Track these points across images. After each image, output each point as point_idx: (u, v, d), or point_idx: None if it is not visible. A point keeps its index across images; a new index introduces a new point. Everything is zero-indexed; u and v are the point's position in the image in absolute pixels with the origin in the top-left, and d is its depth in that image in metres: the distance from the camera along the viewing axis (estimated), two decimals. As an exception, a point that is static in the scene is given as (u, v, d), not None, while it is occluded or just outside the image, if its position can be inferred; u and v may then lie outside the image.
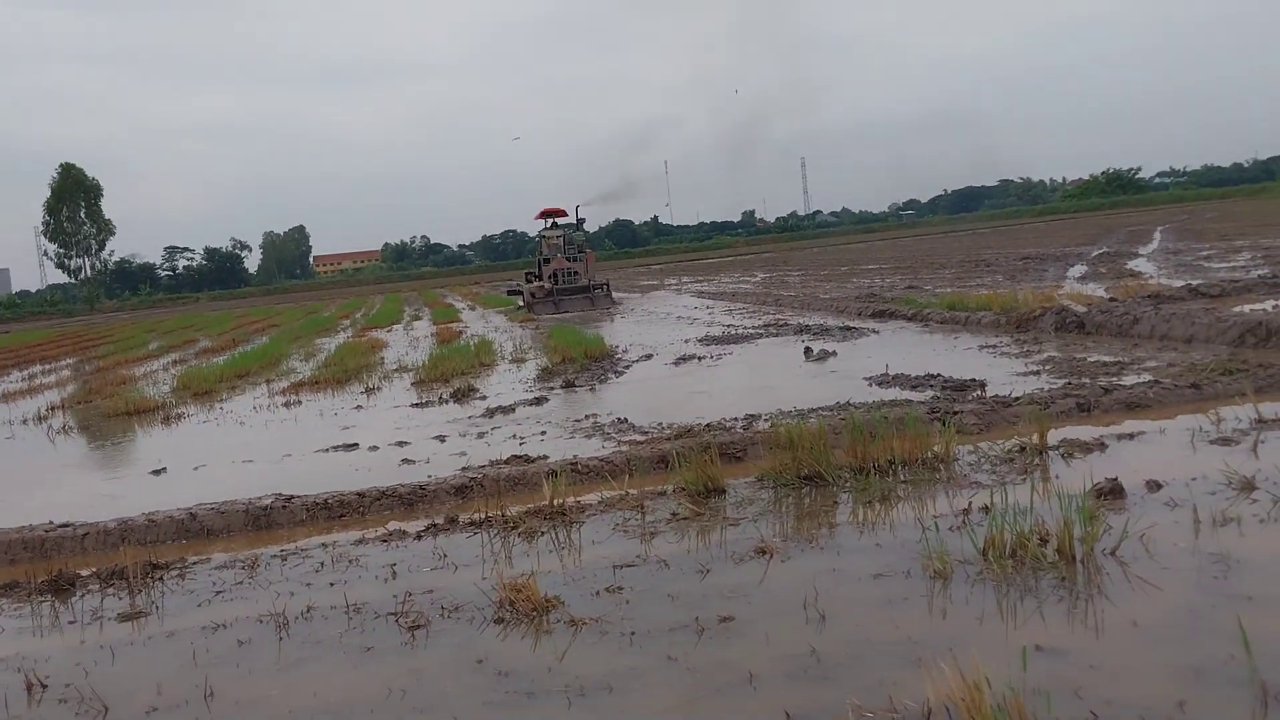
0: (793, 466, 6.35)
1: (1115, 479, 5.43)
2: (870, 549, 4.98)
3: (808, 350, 12.88)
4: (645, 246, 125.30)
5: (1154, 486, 5.49)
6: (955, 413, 7.40)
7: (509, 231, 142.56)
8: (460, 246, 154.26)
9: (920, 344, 13.10)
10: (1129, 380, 8.62)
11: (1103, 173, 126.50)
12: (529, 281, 30.77)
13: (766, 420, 8.46)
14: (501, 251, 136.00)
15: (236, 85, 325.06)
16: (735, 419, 8.63)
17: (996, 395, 8.29)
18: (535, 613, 4.53)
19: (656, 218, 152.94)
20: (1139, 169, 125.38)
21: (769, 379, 11.32)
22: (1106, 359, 10.03)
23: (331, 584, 5.31)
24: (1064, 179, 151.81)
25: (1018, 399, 7.85)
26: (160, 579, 5.65)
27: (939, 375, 9.86)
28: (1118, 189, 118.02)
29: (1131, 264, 24.45)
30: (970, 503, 5.48)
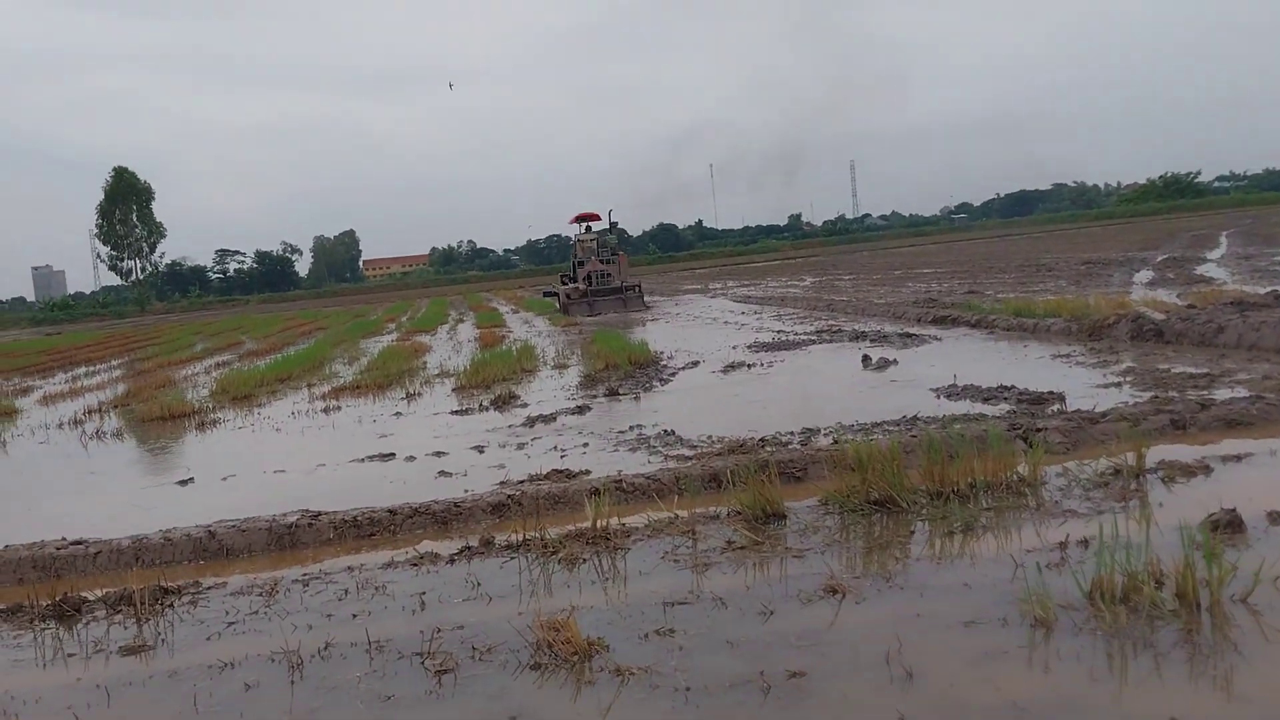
0: (861, 489, 5.76)
1: (1233, 509, 4.78)
2: (957, 589, 4.38)
3: (866, 358, 12.24)
4: (689, 250, 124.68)
5: (1277, 519, 4.84)
6: (1039, 430, 6.77)
7: (553, 236, 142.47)
8: (505, 251, 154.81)
9: (987, 352, 12.41)
10: (1223, 394, 7.91)
11: (1160, 177, 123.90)
12: (564, 284, 31.48)
13: (827, 435, 7.87)
14: (545, 256, 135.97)
15: (287, 90, 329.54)
16: (792, 433, 8.05)
17: (1079, 410, 7.62)
18: (576, 657, 3.99)
19: (701, 221, 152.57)
20: (1198, 172, 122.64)
21: (825, 389, 10.72)
22: (1193, 370, 9.30)
23: (354, 615, 4.82)
24: (1119, 183, 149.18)
25: (1105, 414, 7.19)
26: (171, 605, 5.20)
27: (1012, 387, 9.19)
28: (1175, 193, 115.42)
29: (1201, 269, 23.48)
30: (1067, 535, 4.86)
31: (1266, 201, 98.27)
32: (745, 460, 6.54)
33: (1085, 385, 9.18)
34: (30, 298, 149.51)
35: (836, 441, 7.29)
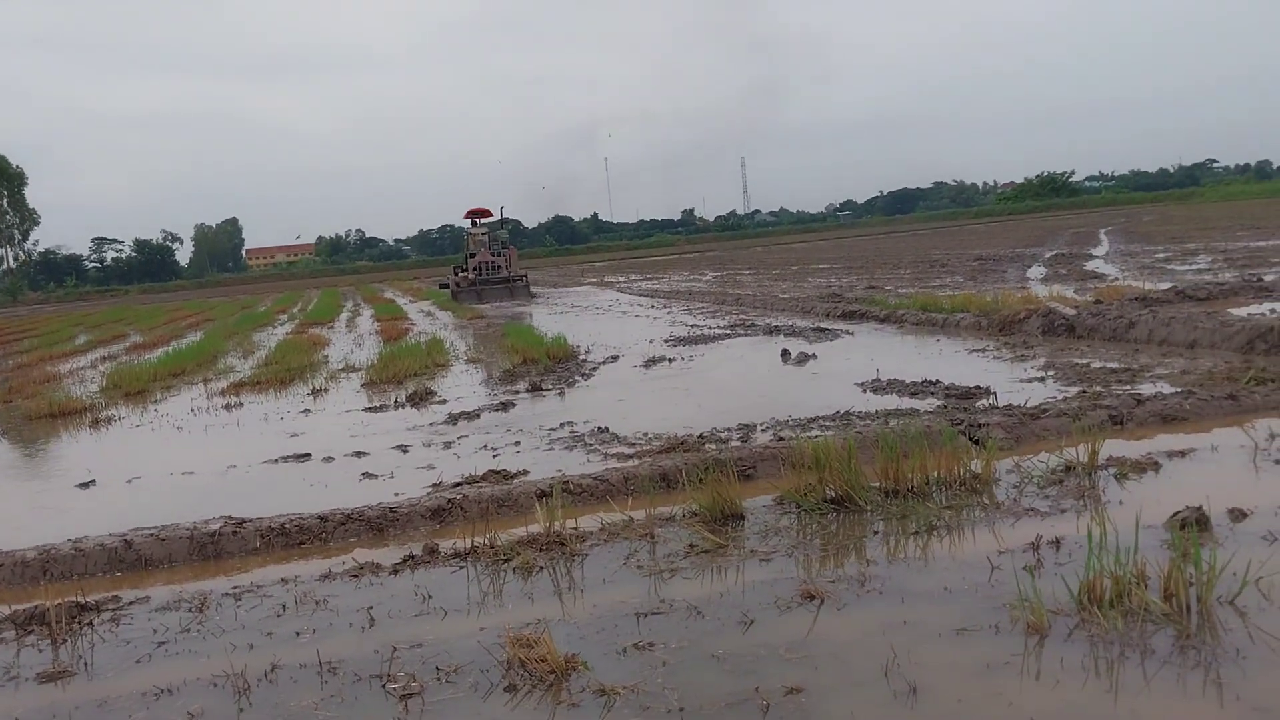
0: (818, 488, 5.63)
1: (1199, 507, 4.80)
2: (939, 594, 4.27)
3: (785, 353, 12.20)
4: (586, 243, 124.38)
5: (1238, 515, 4.87)
6: (982, 425, 6.76)
7: (446, 227, 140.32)
8: (397, 241, 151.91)
9: (902, 347, 12.50)
10: (1147, 389, 8.06)
11: (1036, 176, 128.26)
12: (456, 274, 34.13)
13: (764, 430, 7.76)
14: (439, 247, 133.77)
15: (170, 76, 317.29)
16: (729, 429, 7.90)
17: (1015, 405, 7.66)
18: (553, 677, 3.75)
19: (596, 214, 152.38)
20: (1071, 172, 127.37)
21: (751, 384, 10.62)
22: (1112, 365, 9.48)
23: (298, 633, 4.47)
24: (995, 182, 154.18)
25: (1044, 410, 7.23)
26: (90, 624, 4.76)
27: (938, 381, 9.23)
28: (1051, 192, 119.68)
29: (1090, 265, 24.26)
30: (1037, 535, 4.79)
31: (1134, 201, 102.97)
32: (695, 459, 6.37)
33: (1008, 380, 9.27)
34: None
35: (779, 438, 7.18)
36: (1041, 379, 9.20)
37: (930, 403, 8.43)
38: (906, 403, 8.52)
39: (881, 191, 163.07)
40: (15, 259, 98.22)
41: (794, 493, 5.69)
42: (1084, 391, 8.18)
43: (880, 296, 17.97)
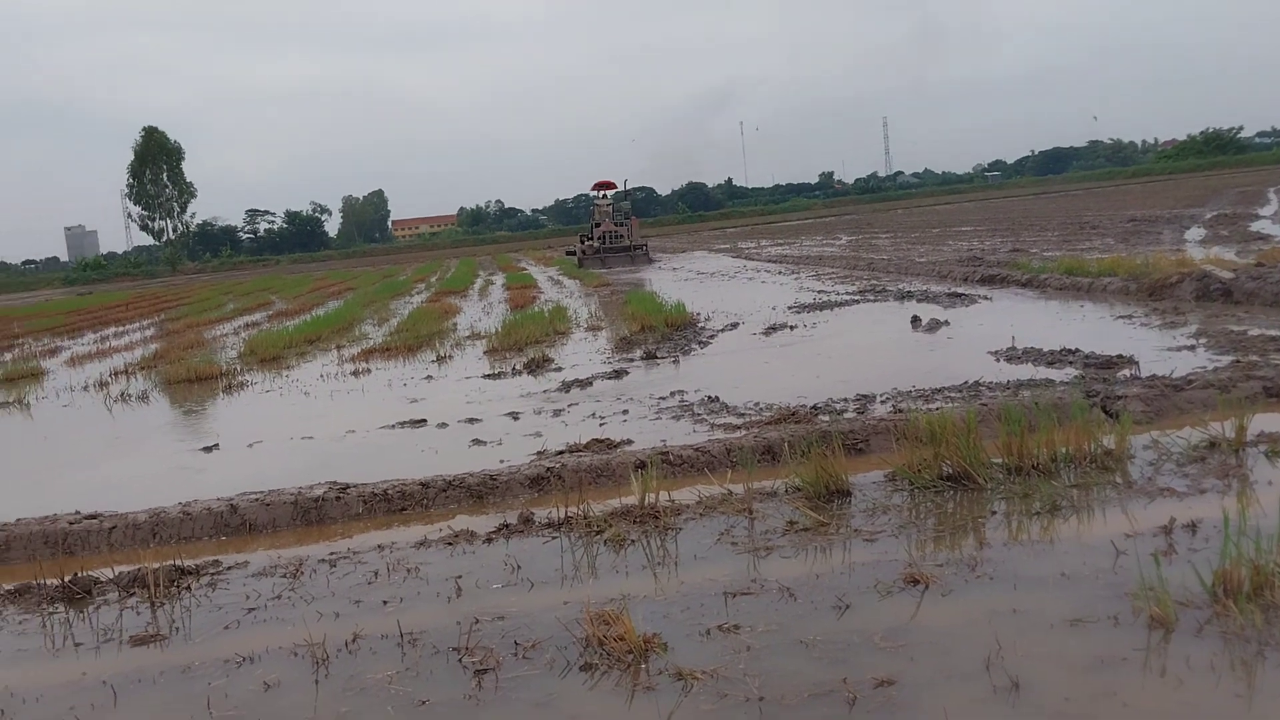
0: (934, 464, 5.28)
1: (1363, 492, 4.28)
2: (1055, 581, 3.91)
3: (915, 319, 11.69)
4: (719, 209, 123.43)
5: None
6: (1119, 398, 6.25)
7: (581, 196, 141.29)
8: (534, 211, 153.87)
9: (1042, 313, 11.83)
10: (1312, 359, 7.34)
11: (1200, 133, 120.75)
12: (582, 242, 36.17)
13: (884, 402, 7.39)
14: (574, 216, 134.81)
15: (318, 50, 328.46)
16: (846, 400, 7.57)
17: (1158, 375, 7.08)
18: (631, 657, 3.57)
19: (731, 180, 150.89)
20: (1240, 128, 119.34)
21: (876, 352, 10.20)
22: (1272, 333, 8.70)
23: (385, 602, 4.41)
24: (1156, 140, 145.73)
25: (1189, 381, 6.65)
26: (188, 587, 4.82)
27: (1077, 349, 8.65)
28: (1216, 149, 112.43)
29: (1255, 226, 22.61)
30: (1171, 518, 4.37)
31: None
32: (801, 430, 6.08)
33: (1155, 348, 8.62)
34: (64, 257, 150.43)
35: (898, 410, 6.82)
36: (1191, 347, 8.53)
37: (1067, 373, 7.89)
38: (1042, 372, 8.01)
39: (1033, 151, 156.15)
40: (174, 231, 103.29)
41: (907, 469, 5.36)
42: (1237, 361, 7.52)
43: (1023, 260, 17.12)
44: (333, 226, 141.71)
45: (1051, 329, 10.17)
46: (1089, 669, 3.19)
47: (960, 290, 14.74)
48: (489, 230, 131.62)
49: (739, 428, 6.99)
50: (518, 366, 11.18)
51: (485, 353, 12.91)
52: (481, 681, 3.54)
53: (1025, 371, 8.08)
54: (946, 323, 11.41)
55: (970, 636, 3.49)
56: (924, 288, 15.63)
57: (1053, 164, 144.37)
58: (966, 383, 7.68)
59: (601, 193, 38.12)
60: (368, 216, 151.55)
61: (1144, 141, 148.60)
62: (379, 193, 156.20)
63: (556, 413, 8.37)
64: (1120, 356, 8.17)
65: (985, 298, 13.70)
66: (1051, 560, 4.13)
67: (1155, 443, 5.61)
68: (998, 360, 8.74)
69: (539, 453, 6.85)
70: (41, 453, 9.24)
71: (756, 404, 7.79)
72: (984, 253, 20.56)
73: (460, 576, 4.63)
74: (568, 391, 9.37)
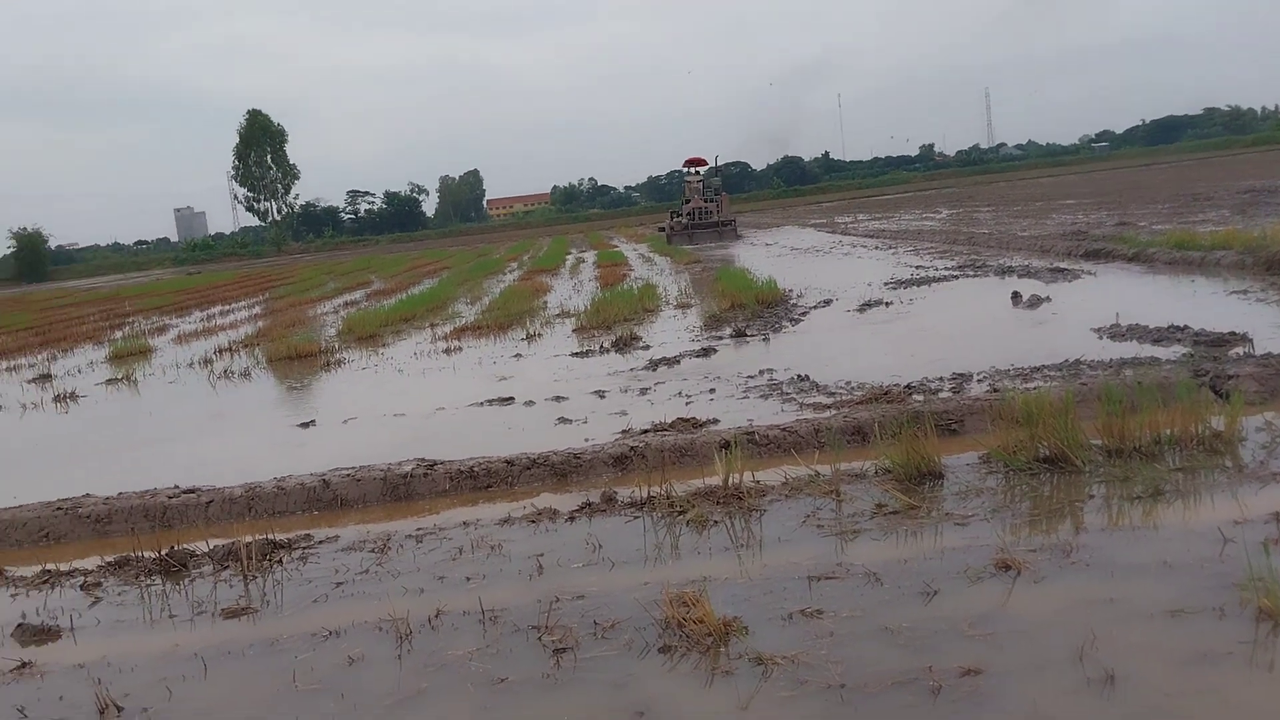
0: (1029, 445, 5.09)
1: None
2: (1156, 569, 3.74)
3: (1016, 295, 11.33)
4: (816, 184, 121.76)
5: None
6: (1230, 377, 5.95)
7: (674, 173, 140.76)
8: (626, 188, 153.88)
9: (1149, 288, 11.38)
10: None
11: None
12: (672, 219, 36.80)
13: (981, 381, 7.17)
14: (667, 193, 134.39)
15: (415, 31, 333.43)
16: (941, 379, 7.37)
17: (1271, 353, 6.72)
18: (710, 640, 3.52)
19: (827, 154, 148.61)
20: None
21: (973, 329, 9.92)
22: (1402, 308, 8.21)
23: (468, 579, 4.45)
24: (1277, 106, 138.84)
25: (1307, 360, 6.30)
26: (279, 561, 4.93)
27: (1185, 326, 8.28)
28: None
29: (1384, 196, 21.38)
30: (1285, 505, 4.14)
31: None
32: (893, 410, 5.94)
33: (1271, 325, 8.22)
34: (174, 238, 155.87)
35: (994, 389, 6.61)
36: (1311, 324, 8.09)
37: (1175, 351, 7.56)
38: (1147, 350, 7.69)
39: (1143, 120, 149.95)
40: (278, 212, 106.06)
41: (1001, 450, 5.18)
42: (1363, 338, 7.10)
43: (1130, 234, 16.48)
44: (430, 206, 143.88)
45: (1159, 305, 9.75)
46: (1190, 663, 3.04)
47: (1063, 265, 14.25)
48: (582, 208, 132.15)
49: (829, 407, 6.86)
50: (606, 345, 11.19)
51: (574, 331, 12.94)
52: (560, 661, 3.53)
53: (1129, 349, 7.76)
54: (1048, 299, 11.04)
55: (1063, 626, 3.35)
56: (1025, 263, 15.17)
57: (1164, 134, 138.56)
58: (1067, 361, 7.41)
59: (692, 169, 38.55)
60: (463, 196, 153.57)
61: (1263, 108, 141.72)
62: (474, 172, 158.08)
63: (643, 391, 8.34)
64: (1233, 334, 7.79)
65: (1089, 273, 13.23)
66: (1152, 547, 3.95)
67: (1269, 424, 5.33)
68: (1100, 338, 8.42)
69: (624, 431, 6.83)
70: (146, 428, 9.57)
71: (848, 383, 7.64)
72: (1089, 226, 19.87)
73: (542, 555, 4.64)
74: (655, 370, 9.33)
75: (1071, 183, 57.16)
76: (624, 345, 10.97)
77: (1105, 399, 5.21)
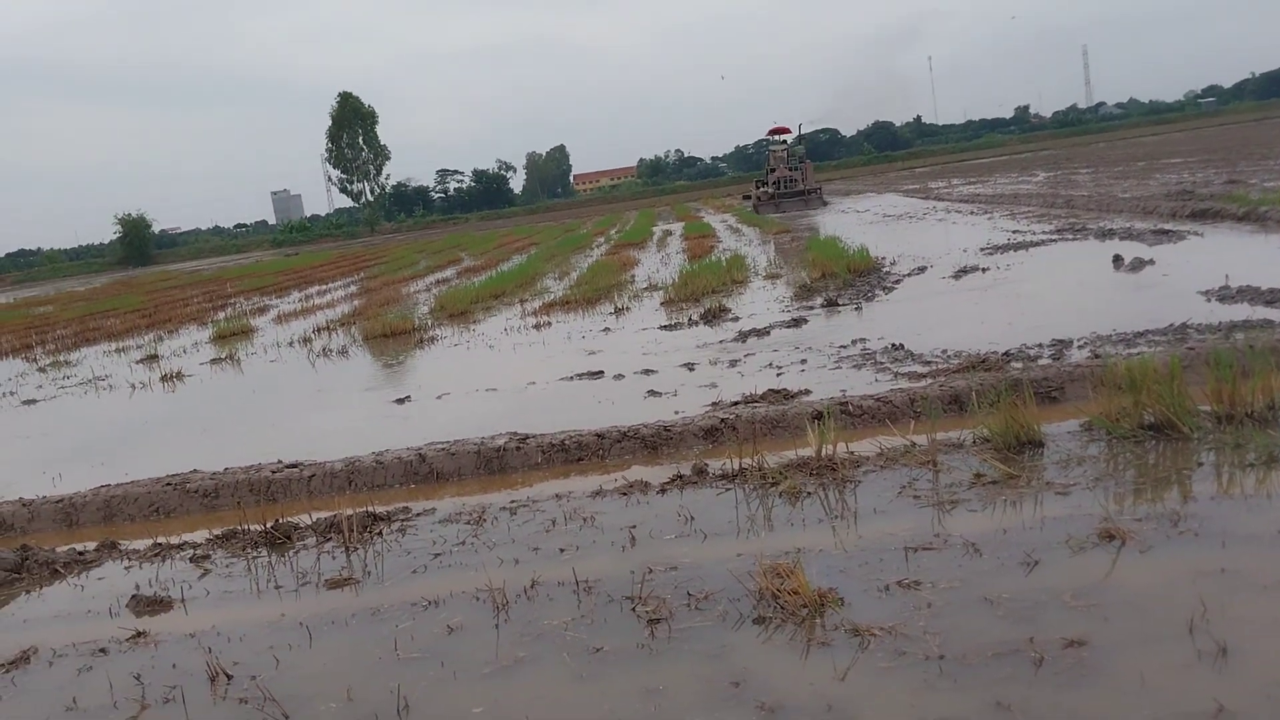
0: (1134, 412, 4.93)
1: None
2: (1271, 539, 3.60)
3: (1117, 258, 10.97)
4: (908, 149, 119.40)
5: None
6: (1351, 339, 5.67)
7: (762, 141, 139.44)
8: (713, 159, 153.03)
9: (1262, 248, 10.91)
10: None
11: None
12: (757, 189, 37.48)
13: (1081, 347, 6.97)
14: (755, 162, 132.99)
15: (500, 8, 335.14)
16: (1040, 346, 7.18)
17: (1396, 314, 6.40)
18: (806, 611, 3.50)
19: (919, 118, 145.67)
20: None
21: (1073, 294, 9.64)
22: None
23: (561, 550, 4.49)
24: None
25: None
26: (379, 533, 5.04)
27: (1301, 287, 7.92)
28: None
29: None
30: None
31: None
32: (991, 379, 5.80)
33: (1396, 284, 7.80)
34: (271, 220, 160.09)
35: (1096, 355, 6.42)
36: None
37: (1290, 312, 7.24)
38: (1260, 313, 7.37)
39: (1253, 73, 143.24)
40: (371, 192, 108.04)
41: (1104, 417, 5.03)
42: None
43: (1240, 192, 15.82)
44: (517, 183, 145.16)
45: (1272, 266, 9.35)
46: (1310, 636, 2.92)
47: (1167, 227, 13.74)
48: (668, 180, 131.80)
49: (924, 376, 6.75)
50: (694, 317, 11.16)
51: (662, 304, 12.94)
52: (654, 631, 3.55)
53: (1240, 312, 7.45)
54: (1151, 261, 10.66)
55: (1171, 597, 3.24)
56: (1127, 225, 14.66)
57: (1276, 87, 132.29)
58: (1172, 325, 7.15)
59: (777, 138, 39.15)
60: (550, 172, 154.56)
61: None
62: (560, 148, 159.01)
63: (732, 363, 8.30)
64: (1353, 293, 7.43)
65: (1196, 234, 12.73)
66: (1267, 517, 3.80)
67: (1393, 388, 5.06)
68: (1209, 300, 8.10)
69: (714, 404, 6.81)
70: (250, 405, 9.88)
71: (944, 351, 7.50)
72: (1195, 186, 19.11)
73: (634, 526, 4.66)
74: (744, 341, 9.28)
75: (1177, 140, 55.06)
76: (712, 317, 10.93)
77: (1214, 363, 5.01)
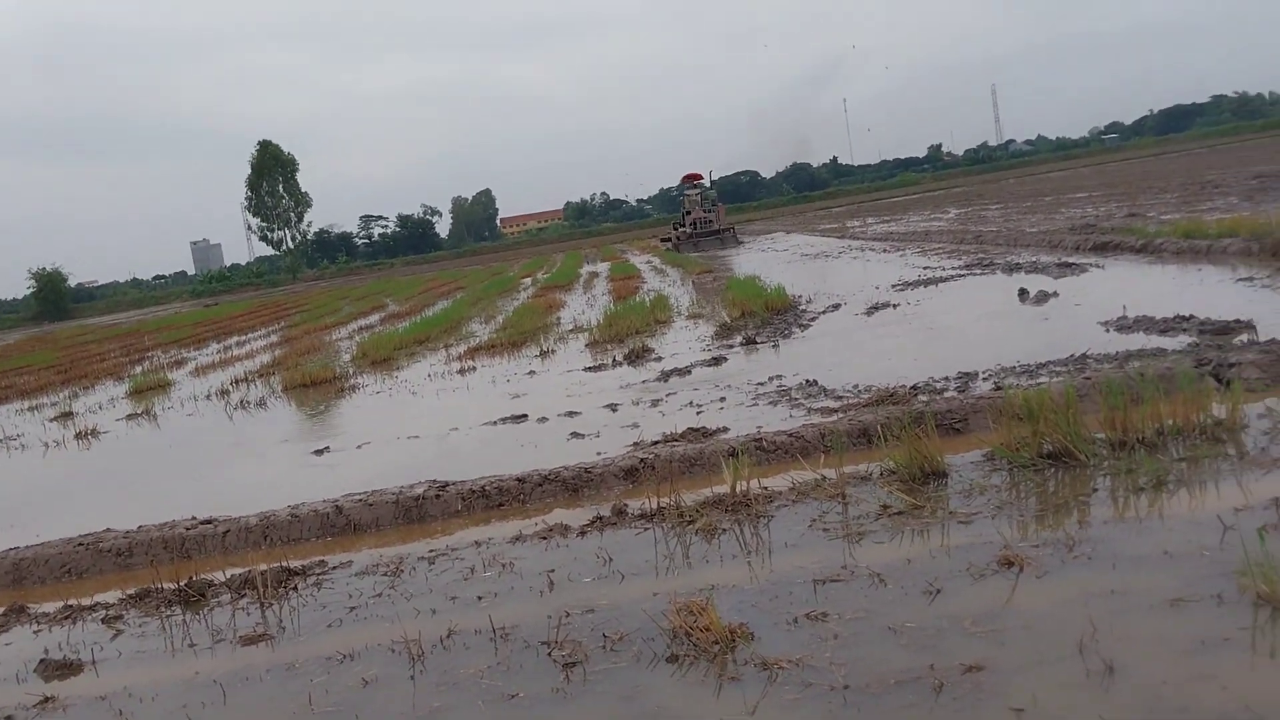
0: (1032, 441, 5.12)
1: None
2: (1156, 559, 3.77)
3: (1023, 291, 11.35)
4: (825, 189, 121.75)
5: None
6: (1232, 365, 5.97)
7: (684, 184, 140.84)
8: (639, 201, 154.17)
9: (1157, 279, 11.38)
10: None
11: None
12: (675, 230, 41.12)
13: (986, 379, 7.20)
14: (679, 204, 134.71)
15: (422, 54, 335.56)
16: (947, 379, 7.40)
17: (1274, 339, 6.72)
18: (717, 648, 3.57)
19: (836, 158, 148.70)
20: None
21: (981, 327, 9.95)
22: None
23: (479, 598, 4.51)
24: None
25: (1311, 344, 6.31)
26: (295, 588, 5.00)
27: (1191, 316, 8.28)
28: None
29: (1395, 174, 21.25)
30: (1286, 490, 4.16)
31: None
32: (897, 412, 5.97)
33: (1276, 311, 8.22)
34: (191, 270, 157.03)
35: (999, 387, 6.64)
36: (1318, 308, 8.08)
37: (1181, 340, 7.57)
38: (1154, 341, 7.69)
39: (1152, 110, 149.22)
40: (293, 240, 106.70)
41: (1004, 448, 5.22)
42: (1368, 320, 7.09)
43: (1138, 225, 16.48)
44: (443, 227, 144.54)
45: (1166, 296, 9.76)
46: (1189, 651, 3.07)
47: (1071, 260, 14.25)
48: (595, 223, 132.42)
49: (835, 411, 6.91)
50: (618, 358, 11.26)
51: (587, 345, 13.02)
52: (570, 675, 3.59)
53: (1136, 341, 7.77)
54: (1055, 294, 11.05)
55: (1065, 619, 3.38)
56: (1033, 259, 15.16)
57: (1174, 122, 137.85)
58: (1073, 356, 7.42)
59: (691, 184, 43.69)
60: (476, 215, 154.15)
61: (1271, 93, 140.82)
62: (486, 191, 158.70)
63: (655, 403, 8.40)
64: (1238, 321, 7.80)
65: (1097, 266, 13.23)
66: (1154, 538, 3.97)
67: (1271, 411, 5.34)
68: (1107, 330, 8.43)
69: (635, 444, 6.89)
70: (166, 461, 9.70)
71: (855, 386, 7.69)
72: (1097, 219, 19.85)
73: (553, 570, 4.70)
74: (667, 381, 9.40)
75: (1082, 176, 57.04)
76: (636, 358, 11.04)
77: (1107, 392, 5.23)
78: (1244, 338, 7.26)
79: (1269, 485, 4.30)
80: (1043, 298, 10.90)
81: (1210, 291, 9.84)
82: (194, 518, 6.14)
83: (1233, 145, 72.70)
